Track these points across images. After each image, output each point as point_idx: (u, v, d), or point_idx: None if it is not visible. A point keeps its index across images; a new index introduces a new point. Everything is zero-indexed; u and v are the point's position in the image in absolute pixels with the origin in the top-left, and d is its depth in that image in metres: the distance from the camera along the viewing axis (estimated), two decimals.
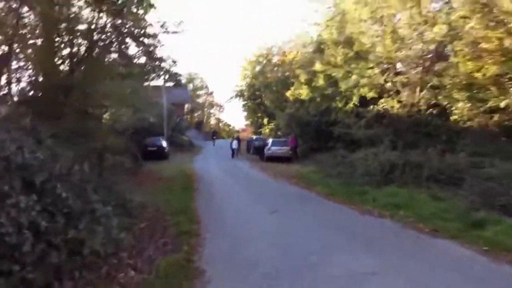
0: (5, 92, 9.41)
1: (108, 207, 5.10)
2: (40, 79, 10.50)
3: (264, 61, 43.67)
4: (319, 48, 18.02)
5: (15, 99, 10.02)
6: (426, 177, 10.85)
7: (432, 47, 14.07)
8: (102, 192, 5.94)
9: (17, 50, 10.00)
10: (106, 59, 12.04)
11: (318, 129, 23.31)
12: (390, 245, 5.54)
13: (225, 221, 7.20)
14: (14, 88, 9.84)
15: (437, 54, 14.18)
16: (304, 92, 24.80)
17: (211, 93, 61.47)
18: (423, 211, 7.78)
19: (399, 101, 16.09)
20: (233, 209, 8.39)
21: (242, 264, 4.38)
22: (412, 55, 14.50)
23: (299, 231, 6.34)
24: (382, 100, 16.71)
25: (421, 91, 15.25)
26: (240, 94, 48.62)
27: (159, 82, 17.24)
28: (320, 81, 22.96)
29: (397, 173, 11.23)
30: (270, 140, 23.43)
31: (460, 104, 12.98)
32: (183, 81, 16.52)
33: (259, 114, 46.85)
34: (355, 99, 16.98)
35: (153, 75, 15.36)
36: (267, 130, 41.06)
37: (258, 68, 45.08)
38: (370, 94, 16.40)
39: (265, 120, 44.13)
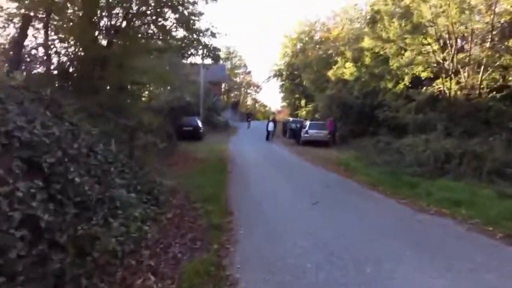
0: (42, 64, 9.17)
1: (132, 194, 4.57)
2: (79, 52, 10.19)
3: (306, 39, 41.84)
4: (371, 20, 16.27)
5: (55, 72, 9.82)
6: (488, 170, 9.49)
7: (503, 20, 12.17)
8: (129, 175, 5.46)
9: (55, 22, 9.63)
10: (144, 32, 11.55)
11: (360, 112, 21.86)
12: (459, 255, 4.57)
13: (261, 212, 6.45)
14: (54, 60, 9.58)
15: (510, 28, 12.25)
16: (348, 71, 23.25)
17: (249, 73, 60.59)
18: (490, 211, 6.60)
19: (457, 83, 14.35)
20: (269, 198, 7.57)
21: (283, 273, 3.66)
22: (479, 29, 12.65)
23: (345, 229, 5.49)
24: (437, 81, 15.02)
25: (485, 71, 13.42)
26: (278, 74, 47.32)
27: (197, 59, 16.66)
28: (367, 59, 21.31)
29: (454, 164, 9.95)
30: (307, 123, 22.32)
31: None
32: (222, 58, 15.60)
33: (297, 96, 45.47)
34: (407, 79, 15.38)
35: (191, 50, 14.79)
36: (304, 112, 39.74)
37: (299, 46, 43.39)
38: (425, 74, 14.77)
39: (302, 102, 42.75)
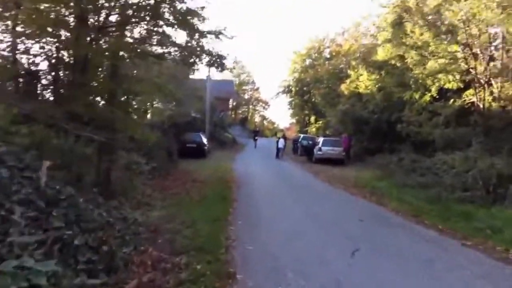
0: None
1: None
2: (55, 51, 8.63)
3: (315, 55, 40.80)
4: (398, 21, 14.52)
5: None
6: None
7: None
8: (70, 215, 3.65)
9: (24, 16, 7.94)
10: (137, 32, 10.07)
11: (377, 127, 20.25)
12: None
13: (282, 275, 4.10)
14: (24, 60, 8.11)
15: None
16: (363, 84, 21.75)
17: (257, 89, 59.56)
18: None
19: (491, 93, 12.68)
20: (290, 246, 5.27)
21: None
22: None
23: None
24: (467, 92, 13.36)
25: None
26: (287, 90, 46.13)
27: (202, 70, 15.29)
28: (383, 72, 19.89)
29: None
30: (320, 139, 20.73)
31: None
32: (229, 69, 14.22)
33: (306, 112, 44.08)
34: (434, 90, 13.74)
35: (194, 58, 13.52)
36: (314, 129, 38.23)
37: (308, 61, 42.33)
38: (452, 84, 13.17)
39: (312, 118, 41.29)
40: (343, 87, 25.13)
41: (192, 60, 13.85)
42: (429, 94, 13.81)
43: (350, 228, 6.37)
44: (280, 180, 13.14)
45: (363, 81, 22.11)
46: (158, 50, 11.33)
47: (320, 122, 36.88)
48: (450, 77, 12.99)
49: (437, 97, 14.28)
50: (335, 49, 33.57)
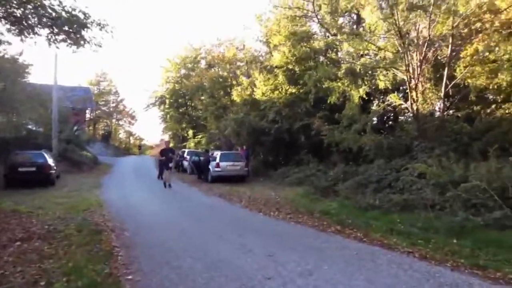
0: None
1: None
2: None
3: (191, 64, 36.92)
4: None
5: None
6: None
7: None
8: None
9: None
10: None
11: (279, 138, 17.78)
12: None
13: None
14: None
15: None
16: (260, 91, 19.05)
17: (122, 101, 51.34)
18: None
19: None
20: None
21: None
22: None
23: None
24: (391, 95, 11.88)
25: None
26: (160, 101, 40.59)
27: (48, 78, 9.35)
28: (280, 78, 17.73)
29: None
30: (217, 154, 16.82)
31: None
32: (91, 42, 8.62)
33: (184, 125, 39.49)
34: (361, 92, 11.72)
35: (31, 18, 8.11)
36: (192, 144, 34.22)
37: (182, 71, 38.10)
38: (384, 83, 11.46)
39: (190, 132, 37.05)
40: (234, 94, 22.08)
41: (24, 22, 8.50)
42: (358, 95, 11.73)
43: None
44: (190, 218, 8.25)
45: (260, 87, 19.52)
46: None
47: (200, 136, 33.16)
48: (381, 77, 11.24)
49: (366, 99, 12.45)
50: (218, 56, 30.52)
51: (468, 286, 3.75)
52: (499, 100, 10.02)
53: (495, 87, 9.88)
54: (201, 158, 17.96)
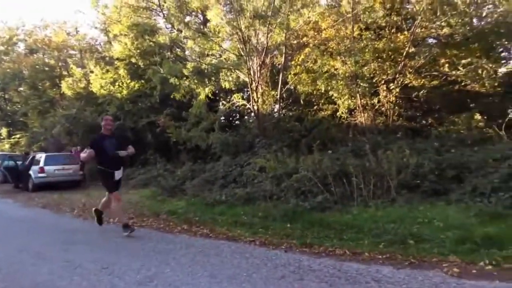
0: None
1: None
2: None
3: (5, 47, 29.69)
4: None
5: None
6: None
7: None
8: None
9: None
10: None
11: (122, 136, 16.11)
12: None
13: None
14: None
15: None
16: (97, 84, 16.83)
17: None
18: None
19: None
20: None
21: None
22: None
23: None
24: (235, 95, 12.49)
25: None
26: None
27: None
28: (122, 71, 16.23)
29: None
30: (41, 157, 13.92)
31: None
32: None
33: None
34: (207, 90, 11.81)
35: None
36: (7, 145, 27.94)
37: None
38: (227, 85, 11.88)
39: (4, 131, 29.95)
40: (65, 86, 18.86)
41: None
42: (204, 93, 11.79)
43: None
44: (1, 238, 6.33)
45: (95, 79, 17.30)
46: None
47: (18, 135, 27.22)
48: (226, 77, 11.65)
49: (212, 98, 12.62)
50: (43, 40, 25.55)
51: (298, 263, 4.13)
52: (320, 104, 11.87)
53: (317, 93, 11.72)
54: (18, 162, 14.57)
